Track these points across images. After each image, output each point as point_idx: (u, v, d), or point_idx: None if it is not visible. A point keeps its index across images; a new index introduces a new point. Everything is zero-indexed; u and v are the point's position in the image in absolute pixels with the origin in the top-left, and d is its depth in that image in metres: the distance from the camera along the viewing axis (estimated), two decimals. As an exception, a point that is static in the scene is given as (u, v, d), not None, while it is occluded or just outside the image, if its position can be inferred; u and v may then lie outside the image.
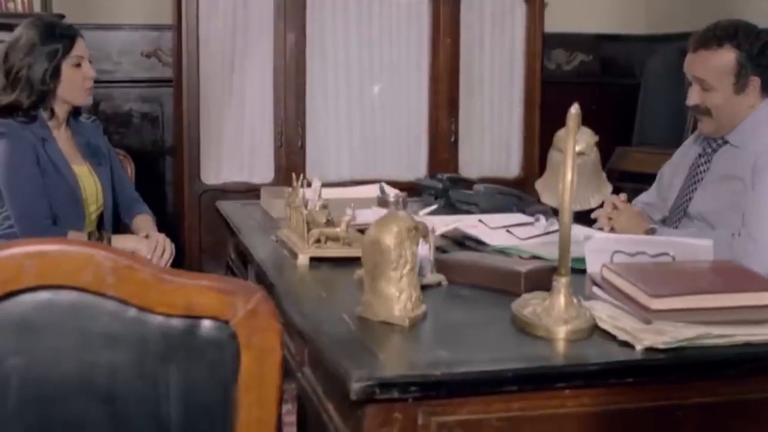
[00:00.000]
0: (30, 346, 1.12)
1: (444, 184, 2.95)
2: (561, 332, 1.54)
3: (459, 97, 4.51)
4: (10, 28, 3.10)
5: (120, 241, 2.67)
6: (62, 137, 2.75)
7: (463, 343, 1.53)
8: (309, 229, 2.10)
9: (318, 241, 2.10)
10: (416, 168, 4.51)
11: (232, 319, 1.16)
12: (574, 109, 1.56)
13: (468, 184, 3.06)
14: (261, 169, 4.36)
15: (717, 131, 2.49)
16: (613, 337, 1.53)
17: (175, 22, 4.23)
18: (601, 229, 2.45)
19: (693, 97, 2.49)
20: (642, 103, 4.23)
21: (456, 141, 4.54)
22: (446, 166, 4.50)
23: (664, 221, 2.59)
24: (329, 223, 2.13)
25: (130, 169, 3.03)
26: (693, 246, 1.82)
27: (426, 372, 1.36)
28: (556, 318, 1.55)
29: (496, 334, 1.58)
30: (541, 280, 1.88)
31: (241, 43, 4.26)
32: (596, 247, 1.86)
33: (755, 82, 2.41)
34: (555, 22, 4.82)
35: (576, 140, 1.60)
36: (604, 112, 5.12)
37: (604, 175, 1.68)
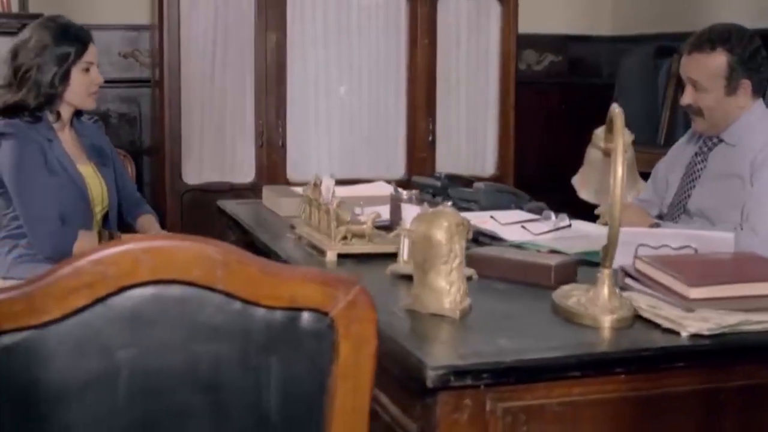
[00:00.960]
0: (140, 339, 1.15)
1: (442, 182, 3.01)
2: (607, 321, 1.61)
3: (436, 97, 4.58)
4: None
5: (130, 240, 2.67)
6: (66, 138, 2.75)
7: (516, 332, 1.59)
8: (336, 227, 2.15)
9: (345, 237, 2.15)
10: (395, 167, 4.58)
11: (332, 311, 1.20)
12: (617, 108, 1.63)
13: (464, 182, 3.13)
14: (242, 169, 4.38)
15: (709, 130, 2.60)
16: (654, 325, 1.61)
17: (156, 23, 4.23)
18: (606, 224, 2.53)
19: (687, 97, 2.60)
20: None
21: (433, 141, 4.61)
22: (424, 165, 4.58)
23: (660, 217, 2.68)
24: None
25: (130, 169, 3.04)
26: (714, 238, 1.91)
27: (497, 359, 1.42)
28: (602, 308, 1.62)
29: (544, 324, 1.65)
30: (568, 273, 1.97)
31: (221, 43, 4.28)
32: (622, 241, 1.94)
33: (746, 84, 2.52)
34: (526, 23, 4.91)
35: (614, 137, 1.67)
36: (572, 111, 5.25)
37: (637, 172, 1.76)
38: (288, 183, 4.40)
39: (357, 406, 1.24)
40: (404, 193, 2.48)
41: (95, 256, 1.11)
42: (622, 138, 1.57)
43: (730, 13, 4.08)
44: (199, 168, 4.31)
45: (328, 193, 2.42)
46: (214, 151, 4.34)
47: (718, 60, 2.51)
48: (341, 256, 2.14)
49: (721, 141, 2.57)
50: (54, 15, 2.78)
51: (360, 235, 2.17)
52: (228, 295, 1.17)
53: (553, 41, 5.18)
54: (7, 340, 1.10)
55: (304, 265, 2.16)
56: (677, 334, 1.56)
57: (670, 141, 4.09)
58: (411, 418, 1.51)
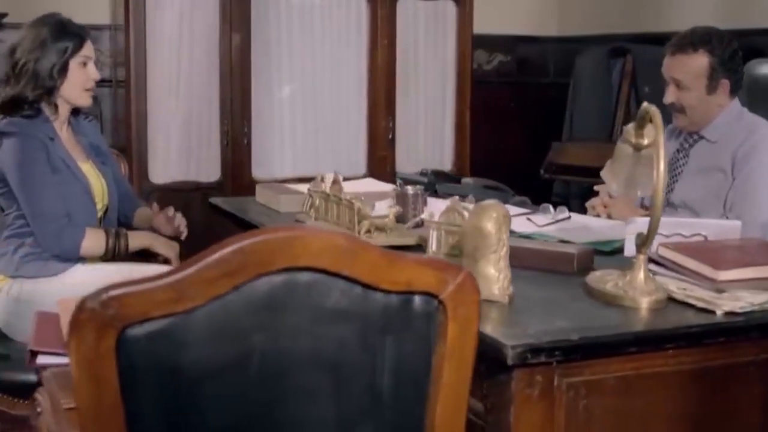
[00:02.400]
0: (271, 323, 1.23)
1: (429, 178, 3.13)
2: (645, 302, 1.74)
3: (395, 96, 4.69)
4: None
5: (136, 237, 2.71)
6: (65, 137, 2.77)
7: (566, 314, 1.70)
8: (359, 221, 2.24)
9: (368, 231, 2.24)
10: (356, 164, 4.67)
11: (442, 294, 1.30)
12: (653, 107, 1.76)
13: (449, 178, 3.26)
14: (208, 168, 4.42)
15: (690, 126, 2.77)
16: (686, 306, 1.75)
17: (122, 23, 4.23)
18: (598, 216, 2.69)
19: (670, 96, 2.76)
20: (572, 100, 4.53)
21: (393, 138, 4.72)
22: (384, 163, 4.69)
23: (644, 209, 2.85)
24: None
25: (123, 167, 3.06)
26: (722, 226, 2.07)
27: (566, 338, 1.54)
28: (640, 290, 1.75)
29: (587, 306, 1.77)
30: (587, 260, 2.11)
31: (187, 44, 4.31)
32: (636, 230, 2.08)
33: (725, 84, 2.70)
34: (476, 24, 5.06)
35: (643, 134, 1.81)
36: (521, 109, 5.44)
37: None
38: (253, 181, 4.45)
39: (460, 382, 1.35)
40: (410, 189, 2.59)
41: (236, 246, 1.19)
42: (662, 134, 1.71)
43: (680, 16, 4.30)
44: (165, 168, 4.33)
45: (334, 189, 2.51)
46: (180, 150, 4.36)
47: (700, 61, 2.68)
48: (365, 249, 2.22)
49: (701, 138, 2.75)
50: (50, 13, 2.79)
51: (381, 228, 2.26)
52: (351, 280, 1.25)
53: (503, 42, 5.34)
54: (154, 326, 1.17)
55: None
56: (711, 312, 1.70)
57: (624, 137, 4.30)
58: (475, 398, 1.61)
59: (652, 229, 1.73)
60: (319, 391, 1.28)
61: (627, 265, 1.90)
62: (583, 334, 1.56)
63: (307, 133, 4.58)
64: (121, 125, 4.52)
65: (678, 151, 2.81)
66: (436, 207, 2.25)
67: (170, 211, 2.87)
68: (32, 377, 2.44)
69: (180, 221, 2.84)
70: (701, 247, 1.91)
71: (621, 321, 1.68)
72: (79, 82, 2.72)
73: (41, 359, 2.00)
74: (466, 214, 2.07)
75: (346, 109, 4.64)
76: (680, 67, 2.71)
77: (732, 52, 2.70)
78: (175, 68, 4.30)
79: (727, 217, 2.55)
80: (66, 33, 2.69)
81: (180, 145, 4.36)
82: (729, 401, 1.69)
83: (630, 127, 1.86)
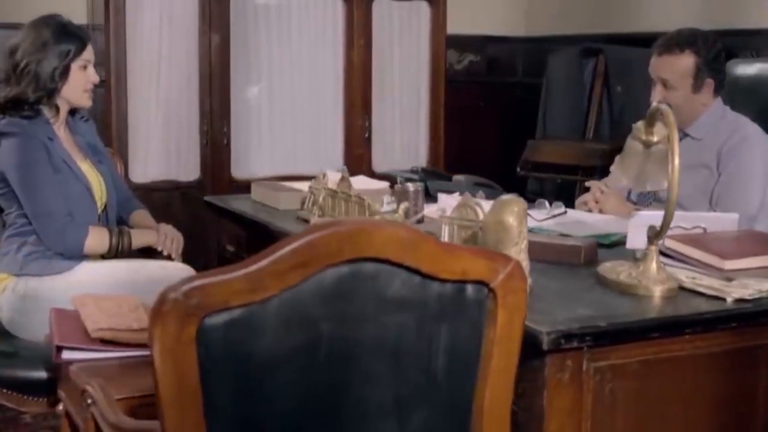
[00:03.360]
0: (338, 311, 1.30)
1: (420, 175, 3.21)
2: (658, 291, 1.84)
3: (371, 96, 4.76)
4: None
5: (138, 235, 2.74)
6: (63, 137, 2.78)
7: (585, 303, 1.78)
8: (370, 216, 2.30)
9: (379, 226, 2.30)
10: (333, 163, 4.71)
11: (492, 282, 1.38)
12: (664, 105, 1.86)
13: (440, 175, 3.33)
14: (188, 167, 4.44)
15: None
16: (696, 294, 1.85)
17: (102, 23, 4.23)
18: (590, 211, 2.78)
19: (657, 95, 2.86)
20: (545, 99, 4.64)
21: (369, 137, 4.79)
22: (361, 161, 4.75)
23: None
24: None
25: (119, 166, 3.08)
26: (720, 219, 2.18)
27: (595, 324, 1.62)
28: (653, 279, 1.85)
29: (603, 295, 1.85)
30: (592, 253, 2.20)
31: (167, 43, 4.33)
32: (639, 223, 2.18)
33: (710, 83, 2.81)
34: (448, 25, 5.15)
35: (653, 132, 1.91)
36: (490, 108, 5.54)
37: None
38: (232, 180, 4.50)
39: (508, 366, 1.42)
40: (410, 186, 2.65)
41: (307, 238, 1.25)
42: (675, 132, 1.80)
43: (651, 18, 4.44)
44: (145, 167, 4.35)
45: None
46: (160, 150, 4.38)
47: (687, 61, 2.79)
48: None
49: (686, 136, 2.85)
50: (51, 14, 2.80)
51: (391, 224, 2.32)
52: (411, 270, 1.32)
53: (473, 42, 5.44)
54: (231, 315, 1.23)
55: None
56: (722, 300, 1.80)
57: (598, 135, 4.42)
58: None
59: (666, 222, 1.82)
60: (380, 375, 1.35)
61: (627, 256, 2.01)
62: (610, 321, 1.65)
63: (286, 132, 4.63)
64: (100, 125, 4.51)
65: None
66: (447, 202, 2.33)
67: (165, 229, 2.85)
68: (41, 374, 2.49)
69: (170, 240, 2.81)
70: (705, 238, 2.01)
71: (638, 308, 1.77)
72: (79, 85, 2.74)
73: (66, 354, 2.04)
74: (479, 209, 2.15)
75: (324, 109, 4.69)
76: (667, 67, 2.82)
77: (716, 52, 2.81)
78: (155, 68, 4.32)
79: (715, 211, 2.66)
80: (68, 36, 2.71)
81: (160, 145, 4.38)
82: (741, 383, 1.79)
83: (640, 124, 1.95)
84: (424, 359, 1.37)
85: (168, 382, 1.20)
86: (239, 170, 4.52)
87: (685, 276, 1.91)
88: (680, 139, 2.81)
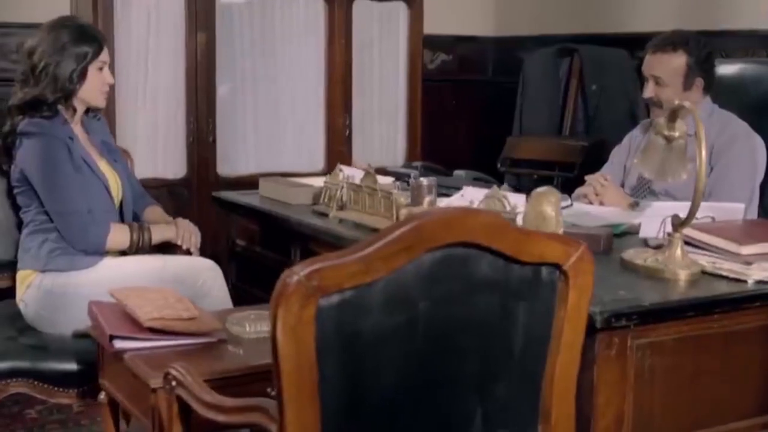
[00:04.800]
0: (433, 292, 1.42)
1: (420, 171, 3.33)
2: (683, 275, 1.99)
3: (352, 94, 4.87)
4: None
5: (157, 231, 2.81)
6: (80, 136, 2.84)
7: (621, 286, 1.91)
8: (398, 209, 2.42)
9: (405, 218, 2.42)
10: (315, 160, 4.83)
11: (565, 264, 1.51)
12: (687, 104, 2.01)
13: (439, 171, 3.46)
14: (174, 164, 4.50)
15: (665, 120, 3.05)
16: (718, 277, 2.00)
17: (90, 21, 4.26)
18: (590, 203, 2.93)
19: (649, 91, 3.03)
20: (521, 97, 4.80)
21: (350, 135, 4.90)
22: (342, 158, 4.83)
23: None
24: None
25: (130, 164, 3.14)
26: (727, 208, 2.34)
27: (640, 304, 1.77)
28: (679, 264, 2.00)
29: (632, 279, 1.99)
30: (610, 242, 2.34)
31: (154, 42, 4.38)
32: (652, 214, 2.34)
33: (699, 82, 2.98)
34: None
35: (675, 127, 2.06)
36: (461, 107, 5.69)
37: (687, 156, 2.15)
38: (218, 177, 4.57)
39: (575, 341, 1.56)
40: (424, 181, 2.77)
41: (412, 225, 1.37)
42: (702, 128, 1.96)
43: (618, 19, 4.63)
44: (131, 164, 4.38)
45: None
46: (147, 147, 4.43)
47: (679, 60, 2.95)
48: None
49: (677, 131, 3.02)
50: (68, 16, 2.86)
51: (415, 217, 2.44)
52: (496, 254, 1.45)
53: (445, 42, 5.57)
54: (343, 296, 1.34)
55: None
56: (742, 282, 1.96)
57: (573, 132, 4.60)
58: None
59: (693, 211, 1.97)
60: (468, 351, 1.47)
61: (637, 245, 2.17)
62: (653, 301, 1.80)
63: (269, 130, 4.72)
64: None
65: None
66: (474, 195, 2.45)
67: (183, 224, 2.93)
68: (71, 366, 2.56)
69: (188, 233, 2.88)
70: (721, 226, 2.17)
71: (671, 290, 1.92)
72: (96, 86, 2.80)
73: (119, 343, 2.11)
74: (505, 201, 2.29)
75: (306, 107, 4.79)
76: (659, 65, 2.98)
77: (707, 53, 2.98)
78: (143, 66, 4.37)
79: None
80: (85, 38, 2.77)
81: (146, 143, 4.43)
82: (764, 358, 1.95)
83: (662, 120, 2.10)
84: (505, 336, 1.50)
85: (288, 357, 1.31)
86: (225, 168, 4.59)
87: (706, 261, 2.06)
88: (672, 135, 3.01)
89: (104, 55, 2.82)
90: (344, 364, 1.36)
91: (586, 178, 3.02)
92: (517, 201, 2.30)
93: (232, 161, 4.62)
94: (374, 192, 2.51)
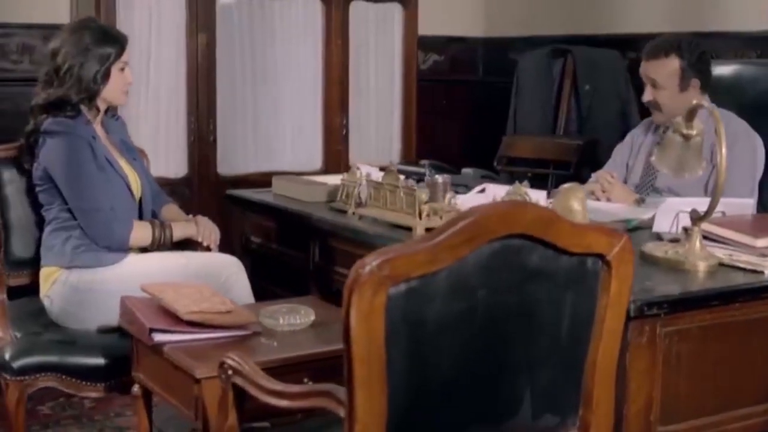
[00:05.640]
0: (491, 281, 1.50)
1: (429, 169, 3.41)
2: (702, 266, 2.09)
3: (349, 94, 4.94)
4: None
5: (178, 228, 2.87)
6: (101, 135, 2.90)
7: (647, 277, 2.01)
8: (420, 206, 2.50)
9: (428, 215, 2.51)
10: (313, 160, 4.91)
11: (608, 255, 1.60)
12: (709, 103, 2.11)
13: (446, 169, 3.54)
14: (175, 163, 4.55)
15: (666, 121, 3.15)
16: (734, 268, 2.11)
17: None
18: (597, 200, 3.03)
19: (647, 95, 3.14)
20: (515, 97, 4.89)
21: (347, 134, 4.97)
22: (339, 157, 4.94)
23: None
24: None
25: (147, 163, 3.20)
26: (737, 203, 2.44)
27: (669, 293, 1.86)
28: (698, 256, 2.10)
29: (653, 270, 2.09)
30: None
31: (155, 43, 4.44)
32: (666, 209, 2.44)
33: (695, 83, 3.09)
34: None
35: (692, 126, 2.16)
36: (452, 107, 5.79)
37: (702, 153, 2.25)
38: (218, 176, 4.63)
39: (616, 328, 1.65)
40: (440, 178, 2.85)
41: (474, 217, 1.45)
42: (721, 127, 2.06)
43: (619, 21, 4.74)
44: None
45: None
46: (149, 146, 4.44)
47: (672, 64, 3.06)
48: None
49: (679, 130, 3.13)
50: (89, 17, 2.91)
51: (436, 212, 2.53)
52: (548, 245, 1.53)
53: (437, 42, 5.66)
54: (410, 285, 1.42)
55: (387, 238, 2.49)
56: (759, 273, 2.06)
57: (567, 131, 4.70)
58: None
59: (713, 206, 2.07)
60: (519, 337, 1.56)
61: (650, 239, 2.26)
62: (681, 291, 1.89)
63: (268, 129, 4.78)
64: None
65: (658, 144, 3.19)
66: (496, 191, 2.54)
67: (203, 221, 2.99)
68: (99, 361, 2.62)
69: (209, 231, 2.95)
70: (733, 221, 2.27)
71: (691, 281, 2.02)
72: (118, 86, 2.87)
73: (158, 336, 2.17)
74: (528, 197, 2.38)
75: (304, 107, 4.86)
76: (654, 70, 3.09)
77: (699, 54, 3.09)
78: (144, 67, 4.41)
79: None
80: (108, 39, 2.83)
81: (148, 142, 4.46)
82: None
83: (679, 119, 2.20)
84: (552, 323, 1.58)
85: (361, 342, 1.38)
86: (225, 167, 4.65)
87: (722, 253, 2.16)
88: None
89: (126, 56, 2.88)
90: (409, 349, 1.44)
91: (594, 175, 3.12)
92: (538, 197, 2.39)
93: (231, 161, 4.68)
94: (396, 189, 2.59)
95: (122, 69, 2.88)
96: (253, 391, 1.70)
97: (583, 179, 3.94)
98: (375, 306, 1.38)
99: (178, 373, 2.10)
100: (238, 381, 1.75)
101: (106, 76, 2.83)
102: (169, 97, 4.49)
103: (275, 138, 4.81)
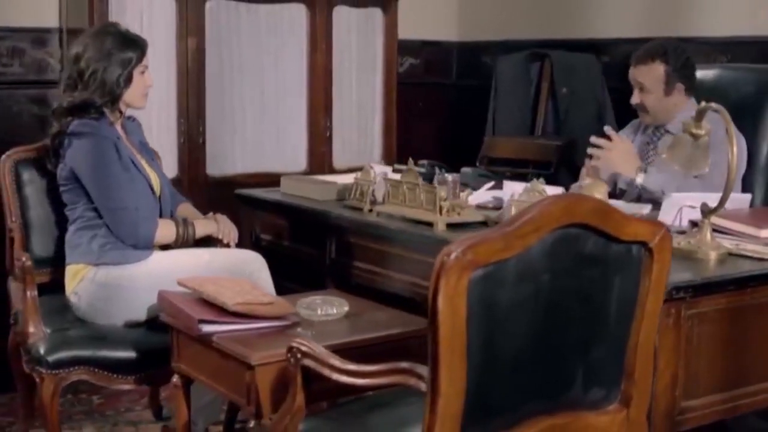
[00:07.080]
0: (552, 266, 1.65)
1: (427, 168, 3.56)
2: (713, 255, 2.27)
3: (332, 97, 5.07)
4: None
5: (200, 226, 2.98)
6: (123, 136, 3.00)
7: (664, 265, 2.19)
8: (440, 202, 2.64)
9: (447, 211, 2.65)
10: (298, 161, 5.02)
11: (651, 243, 1.76)
12: (713, 104, 2.29)
13: (443, 169, 3.69)
14: (165, 165, 4.58)
15: (654, 122, 3.35)
16: (743, 257, 2.29)
17: (86, 27, 4.37)
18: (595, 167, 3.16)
19: (635, 98, 3.32)
20: (494, 99, 5.07)
21: (330, 136, 5.10)
22: (323, 158, 5.06)
23: (615, 193, 3.38)
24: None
25: (160, 163, 3.29)
26: (736, 198, 2.63)
27: (692, 279, 2.04)
28: (710, 246, 2.28)
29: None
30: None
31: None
32: (671, 203, 2.62)
33: (680, 87, 3.29)
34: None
35: (701, 126, 2.34)
36: (427, 109, 5.95)
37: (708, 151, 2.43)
38: (207, 178, 4.72)
39: (655, 309, 1.82)
40: (449, 177, 3.01)
41: (541, 208, 1.60)
42: (731, 126, 2.24)
43: (595, 26, 4.95)
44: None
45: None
46: (140, 149, 4.55)
47: (657, 69, 3.25)
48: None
49: (667, 131, 3.33)
50: (110, 23, 3.01)
51: (454, 209, 2.68)
52: (600, 233, 1.69)
53: (412, 46, 5.82)
54: (486, 270, 1.56)
55: (410, 233, 2.64)
56: (765, 261, 2.25)
57: (545, 133, 4.89)
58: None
59: (723, 200, 2.26)
60: (575, 318, 1.71)
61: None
62: (702, 276, 2.07)
63: (256, 131, 4.88)
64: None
65: (647, 143, 3.39)
66: (513, 188, 2.70)
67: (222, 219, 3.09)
68: (130, 354, 2.72)
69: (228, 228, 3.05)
70: (736, 214, 2.46)
71: (704, 269, 2.20)
72: (139, 89, 2.98)
73: (206, 327, 2.29)
74: (544, 194, 2.54)
75: (289, 110, 4.97)
76: (641, 74, 3.28)
77: (684, 60, 3.29)
78: (136, 70, 4.49)
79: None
80: (129, 44, 2.94)
81: (140, 144, 4.55)
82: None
83: (689, 119, 2.38)
84: (603, 305, 1.74)
85: (446, 323, 1.53)
86: (214, 167, 4.74)
87: (729, 243, 2.35)
88: (662, 135, 3.32)
89: (146, 59, 2.99)
90: (484, 329, 1.58)
91: (589, 151, 3.22)
92: (554, 192, 2.55)
93: (220, 161, 4.77)
94: (415, 187, 2.74)
95: (143, 72, 2.98)
96: (326, 372, 1.83)
97: (562, 178, 4.13)
98: (459, 289, 1.52)
99: (227, 362, 2.22)
100: (310, 363, 1.87)
101: (129, 79, 2.93)
102: (160, 99, 4.56)
103: (261, 140, 4.91)
